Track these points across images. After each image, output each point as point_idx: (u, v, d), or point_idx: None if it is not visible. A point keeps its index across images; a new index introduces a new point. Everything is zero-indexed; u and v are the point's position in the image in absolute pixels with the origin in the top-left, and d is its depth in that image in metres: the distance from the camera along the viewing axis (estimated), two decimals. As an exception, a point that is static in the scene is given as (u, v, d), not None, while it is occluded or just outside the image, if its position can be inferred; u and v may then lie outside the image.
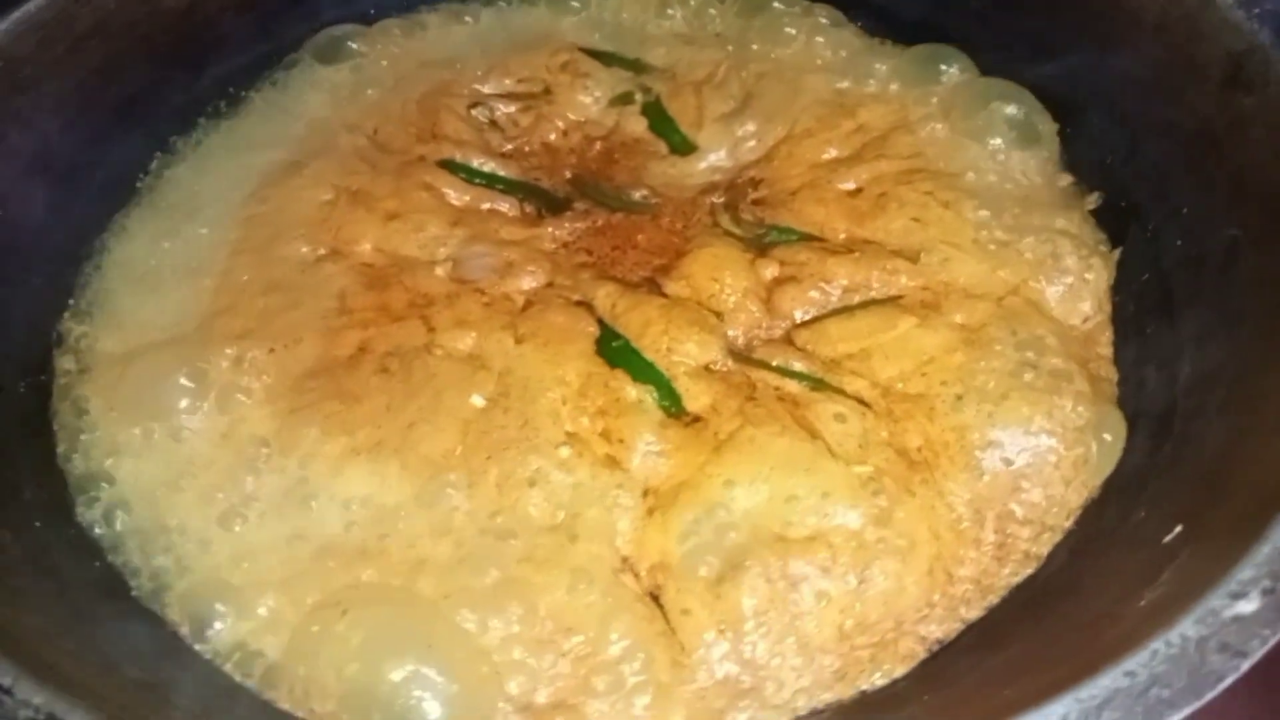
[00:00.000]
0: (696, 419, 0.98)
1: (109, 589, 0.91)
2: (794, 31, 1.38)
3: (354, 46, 1.33)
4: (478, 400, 0.97)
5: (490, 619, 0.84)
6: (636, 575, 0.90)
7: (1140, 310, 1.06)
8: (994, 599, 0.90)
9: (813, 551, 0.88)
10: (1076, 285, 1.08)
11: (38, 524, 0.92)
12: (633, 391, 0.99)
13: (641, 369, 1.01)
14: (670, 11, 1.42)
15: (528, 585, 0.86)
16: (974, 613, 0.89)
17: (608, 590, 0.87)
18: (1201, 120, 1.04)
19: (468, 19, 1.40)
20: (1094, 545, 0.90)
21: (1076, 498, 0.94)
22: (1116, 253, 1.11)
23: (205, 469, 0.96)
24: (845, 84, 1.30)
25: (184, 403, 0.99)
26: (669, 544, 0.89)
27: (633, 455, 0.94)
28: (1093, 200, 1.16)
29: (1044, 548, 0.92)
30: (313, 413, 0.97)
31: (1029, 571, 0.91)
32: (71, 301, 1.10)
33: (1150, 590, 0.73)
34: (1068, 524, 0.93)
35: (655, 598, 0.89)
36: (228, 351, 1.02)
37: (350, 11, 1.37)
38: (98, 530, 0.95)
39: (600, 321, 1.06)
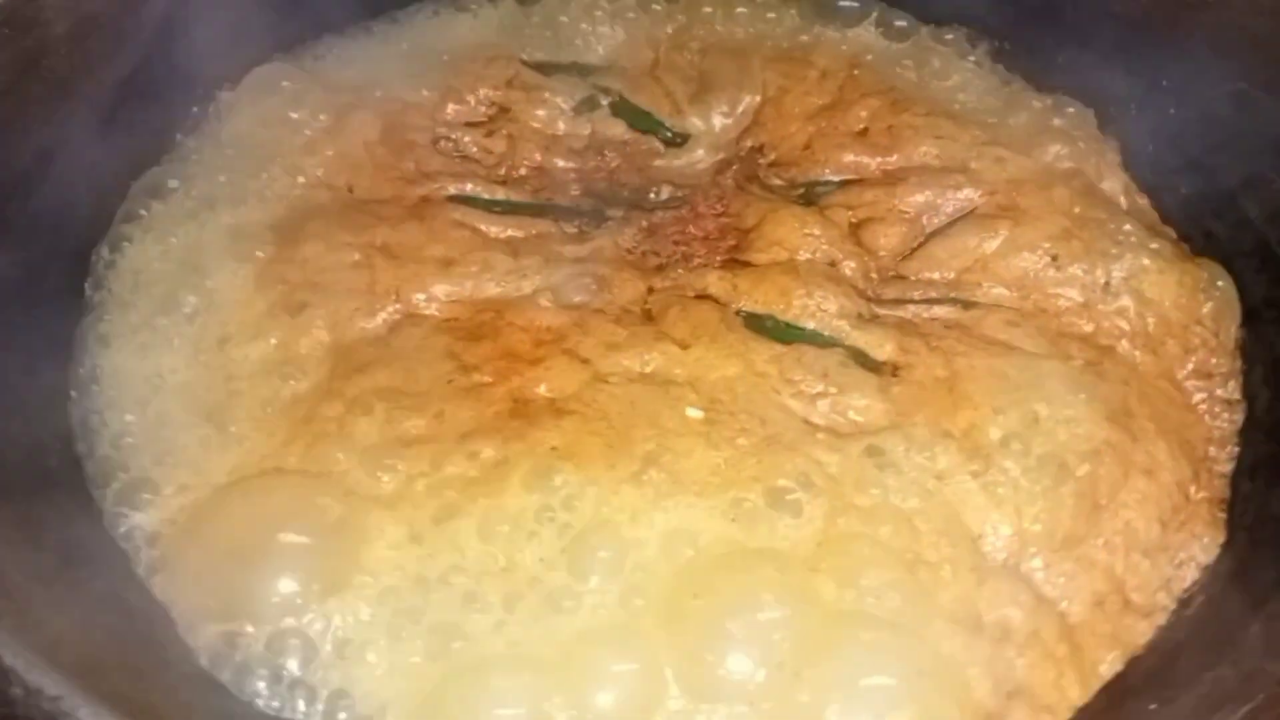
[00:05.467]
0: (895, 369, 0.93)
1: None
2: (710, 10, 1.35)
3: (286, 85, 1.10)
4: (695, 413, 0.85)
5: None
6: (984, 552, 0.83)
7: (1162, 171, 1.14)
8: (1233, 448, 0.93)
9: (1106, 459, 0.87)
10: (1099, 164, 1.15)
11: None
12: (825, 362, 0.91)
13: (817, 337, 0.94)
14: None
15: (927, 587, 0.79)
16: (1227, 465, 0.92)
17: (981, 573, 0.81)
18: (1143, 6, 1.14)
19: (370, 41, 1.22)
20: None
21: (1228, 341, 1.00)
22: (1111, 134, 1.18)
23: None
24: (781, 42, 1.30)
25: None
26: (1004, 509, 0.85)
27: (887, 429, 0.88)
28: (1048, 101, 1.23)
29: (1234, 392, 0.97)
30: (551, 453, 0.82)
31: (1240, 416, 0.95)
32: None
33: None
34: (1238, 364, 0.98)
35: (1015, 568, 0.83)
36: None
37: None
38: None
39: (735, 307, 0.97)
